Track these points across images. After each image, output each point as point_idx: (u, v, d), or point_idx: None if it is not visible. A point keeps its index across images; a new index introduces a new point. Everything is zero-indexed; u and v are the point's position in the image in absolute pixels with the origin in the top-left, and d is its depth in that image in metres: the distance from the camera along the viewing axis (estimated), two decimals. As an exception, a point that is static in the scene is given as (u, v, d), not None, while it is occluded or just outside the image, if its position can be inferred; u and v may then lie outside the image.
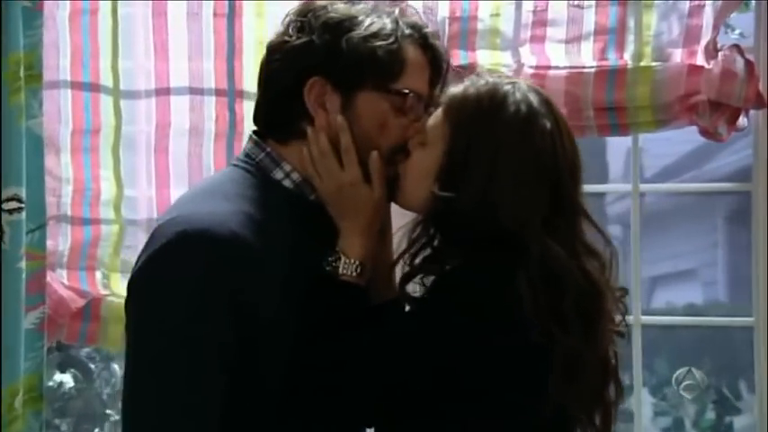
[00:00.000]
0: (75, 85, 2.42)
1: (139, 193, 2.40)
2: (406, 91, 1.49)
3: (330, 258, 1.50)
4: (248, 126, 2.21)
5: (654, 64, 2.23)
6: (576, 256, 1.47)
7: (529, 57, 2.29)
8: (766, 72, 2.26)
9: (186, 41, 2.38)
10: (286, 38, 1.49)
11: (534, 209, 1.45)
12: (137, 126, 2.39)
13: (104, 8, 2.41)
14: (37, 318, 2.24)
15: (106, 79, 2.40)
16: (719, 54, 2.20)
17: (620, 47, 2.26)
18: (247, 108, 2.36)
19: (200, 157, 2.38)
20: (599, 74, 2.24)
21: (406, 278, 1.52)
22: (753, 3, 2.34)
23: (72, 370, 3.65)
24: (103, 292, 2.42)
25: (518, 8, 2.32)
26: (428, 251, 1.50)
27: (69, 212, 2.42)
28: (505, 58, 2.28)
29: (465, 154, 1.45)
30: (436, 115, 1.52)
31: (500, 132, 1.46)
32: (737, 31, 2.42)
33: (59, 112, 2.41)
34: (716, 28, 2.22)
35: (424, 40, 1.52)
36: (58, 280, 2.42)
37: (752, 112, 2.27)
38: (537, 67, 2.27)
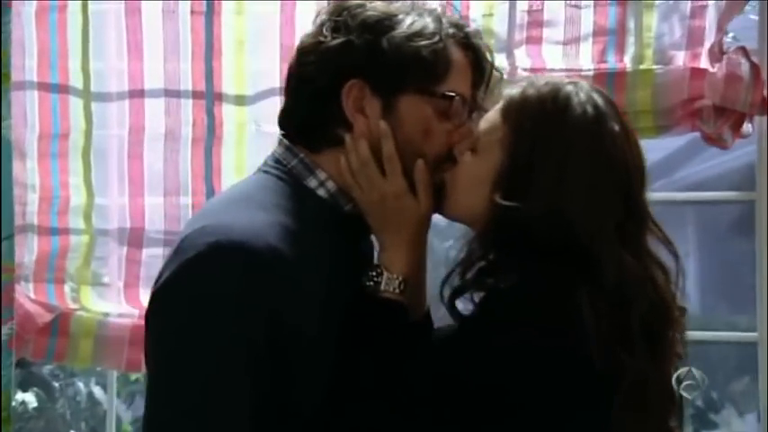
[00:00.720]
0: (43, 87, 2.37)
1: (111, 201, 2.36)
2: (453, 94, 1.42)
3: (372, 273, 1.42)
4: (228, 130, 2.29)
5: (655, 67, 2.17)
6: (645, 268, 1.38)
7: (524, 59, 2.22)
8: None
9: (161, 41, 2.34)
10: (320, 38, 1.41)
11: (607, 216, 1.37)
12: (108, 130, 2.36)
13: (74, 5, 2.36)
14: (6, 334, 2.14)
15: (76, 80, 2.36)
16: (723, 57, 2.14)
17: (621, 49, 2.20)
18: (227, 111, 2.31)
19: (176, 163, 2.33)
20: (597, 77, 2.17)
21: (457, 293, 1.42)
22: (751, 4, 2.27)
23: (35, 389, 3.52)
24: (73, 306, 2.37)
25: (512, 8, 2.25)
26: (482, 264, 1.40)
27: (36, 222, 2.37)
28: (499, 60, 2.15)
29: (529, 159, 1.37)
30: (490, 119, 1.44)
31: (568, 135, 1.38)
32: (731, 35, 2.34)
33: (25, 116, 2.37)
34: (720, 29, 2.16)
35: (467, 40, 1.45)
36: (24, 293, 2.36)
37: (755, 117, 2.21)
38: (532, 70, 2.20)
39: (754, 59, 2.15)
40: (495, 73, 1.47)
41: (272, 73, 2.28)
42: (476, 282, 1.39)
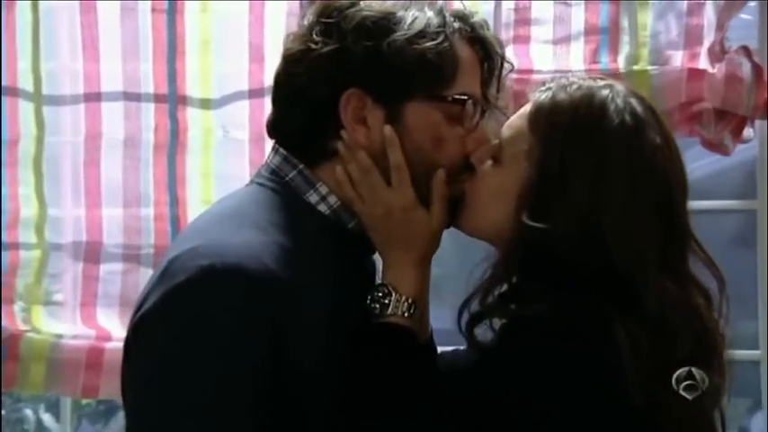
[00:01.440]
0: (-11, 90, 2.27)
1: (65, 213, 2.27)
2: (464, 97, 1.31)
3: (377, 294, 1.31)
4: (193, 136, 2.21)
5: (650, 68, 2.10)
6: (688, 296, 1.27)
7: (511, 59, 2.08)
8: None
9: (119, 40, 2.24)
10: (310, 44, 1.30)
11: (648, 238, 1.26)
12: (62, 137, 2.26)
13: (23, 4, 2.26)
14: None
15: (25, 83, 2.27)
16: (725, 57, 2.07)
17: (614, 49, 2.13)
18: (191, 116, 2.24)
19: (136, 171, 2.24)
20: None
21: (477, 320, 1.29)
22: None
23: (-26, 418, 3.34)
24: (23, 327, 2.27)
25: (498, 6, 2.17)
26: (504, 288, 1.28)
27: (-18, 236, 2.27)
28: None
29: (559, 173, 1.26)
30: (515, 126, 1.32)
31: (604, 147, 1.26)
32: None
33: (-30, 121, 2.27)
34: (721, 28, 2.08)
35: (473, 33, 1.33)
36: (-32, 314, 2.25)
37: (756, 121, 2.14)
38: (519, 71, 2.09)
39: (757, 60, 2.08)
40: (506, 65, 1.36)
41: (240, 75, 2.21)
42: (498, 308, 1.27)
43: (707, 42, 2.09)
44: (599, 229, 1.23)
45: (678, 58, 2.10)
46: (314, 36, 1.30)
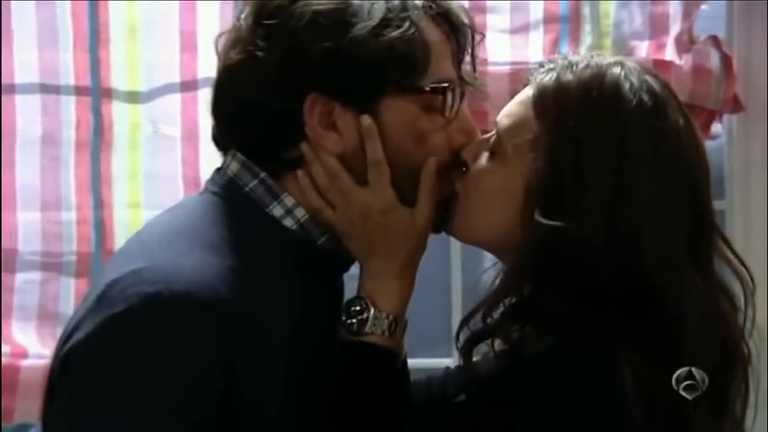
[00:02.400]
0: None
1: None
2: (443, 84, 1.19)
3: (354, 308, 1.19)
4: (119, 132, 2.10)
5: None
6: (715, 302, 1.16)
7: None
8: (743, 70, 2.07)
9: (35, 28, 2.12)
10: (255, 52, 1.17)
11: (679, 234, 1.14)
12: None
13: None
14: None
15: None
16: (693, 48, 2.02)
17: (575, 39, 2.07)
18: (117, 110, 2.13)
19: (56, 171, 2.12)
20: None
21: (476, 340, 1.17)
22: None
23: None
24: None
25: None
26: (512, 301, 1.15)
27: None
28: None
29: (574, 165, 1.13)
30: (515, 114, 1.20)
31: (623, 132, 1.14)
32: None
33: None
34: (688, 17, 2.03)
35: (437, 8, 1.21)
36: None
37: (725, 116, 2.10)
38: (473, 63, 1.99)
39: (726, 50, 2.03)
40: (476, 35, 1.25)
41: (171, 65, 2.11)
42: (501, 330, 1.14)
43: (673, 32, 2.04)
44: (626, 225, 1.12)
45: (643, 49, 2.05)
46: (257, 41, 1.17)
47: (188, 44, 2.09)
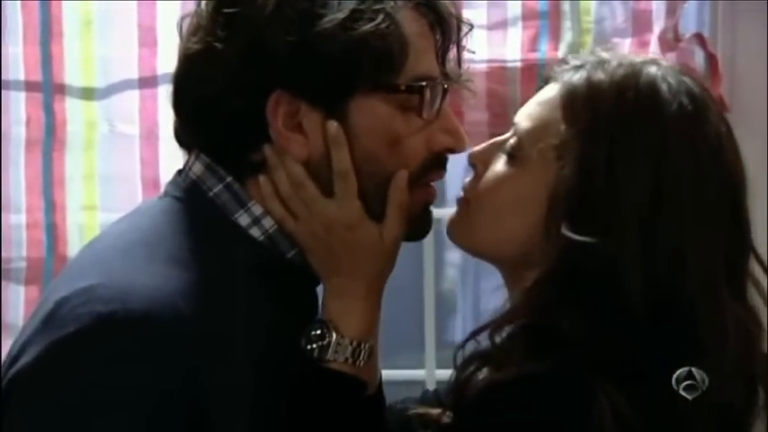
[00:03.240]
0: None
1: None
2: (422, 83, 1.12)
3: (315, 332, 1.12)
4: (73, 131, 2.05)
5: None
6: (749, 327, 1.10)
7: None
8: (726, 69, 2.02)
9: None
10: (214, 43, 1.11)
11: (720, 251, 1.08)
12: None
13: None
14: None
15: None
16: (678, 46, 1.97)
17: (555, 36, 2.02)
18: (71, 107, 2.08)
19: (5, 171, 2.06)
20: (527, 69, 2.00)
21: (478, 359, 1.08)
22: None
23: None
24: None
25: None
26: (524, 322, 1.07)
27: None
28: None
29: (608, 174, 1.06)
30: (538, 116, 1.13)
31: (661, 139, 1.08)
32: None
33: None
34: (672, 13, 1.98)
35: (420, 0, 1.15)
36: None
37: None
38: (448, 60, 1.94)
39: (711, 49, 1.98)
40: (463, 26, 1.18)
41: (129, 60, 2.05)
42: (509, 352, 1.06)
43: (657, 29, 1.99)
44: (665, 241, 1.05)
45: (625, 47, 1.99)
46: (217, 31, 1.11)
47: (147, 38, 2.03)
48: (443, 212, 2.17)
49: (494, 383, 1.03)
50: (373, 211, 1.13)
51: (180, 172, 1.18)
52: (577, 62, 1.14)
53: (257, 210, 1.14)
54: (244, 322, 1.09)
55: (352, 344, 1.11)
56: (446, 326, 5.19)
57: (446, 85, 1.15)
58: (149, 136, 2.02)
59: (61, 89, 2.05)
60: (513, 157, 1.12)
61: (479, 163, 1.15)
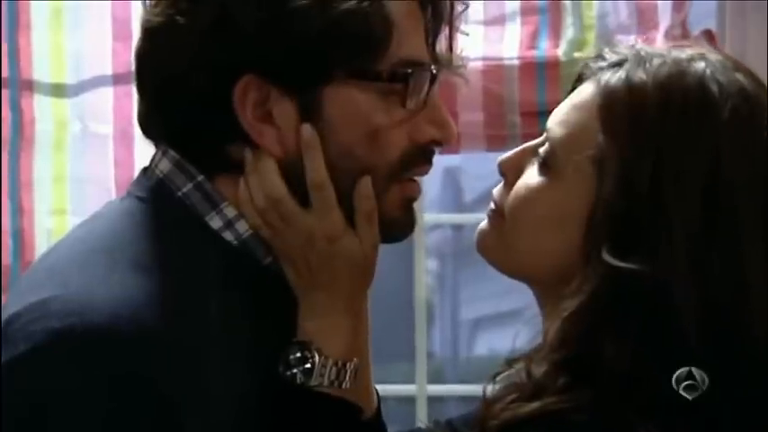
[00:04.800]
0: None
1: None
2: (407, 69, 1.05)
3: (295, 355, 1.05)
4: (42, 130, 2.03)
5: None
6: None
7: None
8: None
9: None
10: (176, 17, 1.04)
11: None
12: None
13: None
14: None
15: None
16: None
17: (555, 32, 1.99)
18: (40, 105, 2.07)
19: None
20: (525, 67, 1.97)
21: (510, 394, 1.00)
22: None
23: None
24: None
25: None
26: (562, 354, 0.99)
27: None
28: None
29: (653, 189, 0.99)
30: (573, 122, 1.05)
31: (714, 147, 1.00)
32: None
33: None
34: (680, 9, 1.95)
35: None
36: None
37: None
38: (442, 58, 1.91)
39: (721, 47, 1.91)
40: (457, 4, 1.11)
41: (102, 55, 2.03)
42: (548, 388, 0.98)
43: (663, 25, 1.97)
44: (721, 266, 0.97)
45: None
46: (180, 4, 1.04)
47: (121, 32, 2.00)
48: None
49: (528, 417, 0.97)
50: (352, 212, 1.08)
51: (145, 170, 1.11)
52: (615, 58, 1.06)
53: (230, 212, 1.08)
54: (217, 333, 1.03)
55: (336, 364, 1.05)
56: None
57: (435, 71, 1.08)
58: (124, 136, 1.99)
59: (29, 85, 2.02)
60: (546, 166, 1.05)
61: (509, 171, 1.08)
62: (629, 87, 1.02)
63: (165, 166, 1.08)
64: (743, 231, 0.99)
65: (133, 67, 1.88)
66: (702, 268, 0.97)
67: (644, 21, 1.97)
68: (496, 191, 1.09)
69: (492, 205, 1.09)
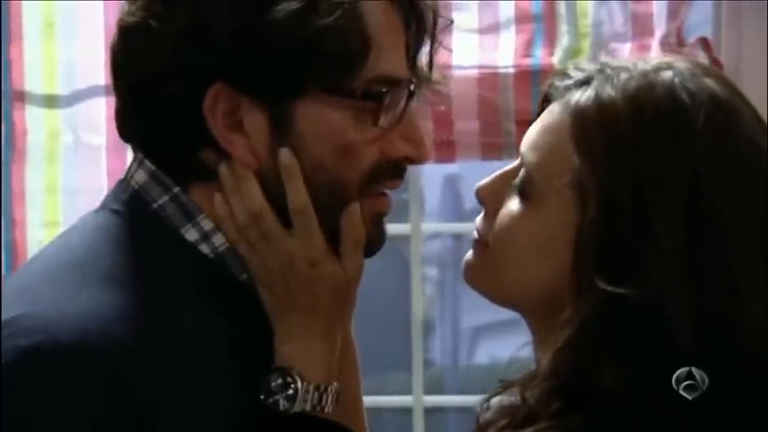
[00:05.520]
0: None
1: None
2: (382, 88, 1.04)
3: (276, 382, 1.04)
4: (34, 141, 2.04)
5: None
6: None
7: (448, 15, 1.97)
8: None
9: None
10: (149, 19, 1.03)
11: None
12: None
13: None
14: None
15: None
16: (683, 51, 1.93)
17: (550, 40, 2.00)
18: (32, 116, 2.07)
19: None
20: (520, 75, 1.98)
21: (503, 419, 1.00)
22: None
23: None
24: None
25: None
26: (554, 383, 0.97)
27: None
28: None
29: (636, 209, 0.97)
30: (546, 146, 1.03)
31: (691, 160, 0.98)
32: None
33: None
34: (675, 17, 1.96)
35: None
36: None
37: None
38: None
39: (716, 55, 1.96)
40: (440, 20, 1.08)
41: (95, 66, 2.01)
42: (543, 413, 0.97)
43: (659, 33, 1.98)
44: (713, 282, 0.96)
45: (625, 52, 1.98)
46: (154, 6, 1.03)
47: None
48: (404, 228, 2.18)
49: None
50: (329, 227, 1.06)
51: (122, 181, 1.10)
52: (580, 75, 1.03)
53: (207, 224, 1.06)
54: (193, 346, 1.02)
55: (318, 389, 1.04)
56: (424, 346, 5.15)
57: (413, 88, 1.06)
58: (117, 147, 1.97)
59: (21, 96, 2.02)
60: (525, 193, 1.03)
61: (488, 199, 1.06)
62: (599, 105, 1.00)
63: (140, 177, 1.07)
64: (729, 238, 0.97)
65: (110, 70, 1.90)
66: (693, 279, 0.96)
67: (639, 29, 1.97)
68: (478, 220, 1.07)
69: (475, 234, 1.08)
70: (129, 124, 1.08)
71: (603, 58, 1.10)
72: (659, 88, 0.99)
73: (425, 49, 1.08)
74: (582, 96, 1.01)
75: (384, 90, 1.03)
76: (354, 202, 1.04)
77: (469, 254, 1.08)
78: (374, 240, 1.09)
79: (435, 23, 1.07)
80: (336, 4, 1.02)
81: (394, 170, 1.07)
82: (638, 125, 0.98)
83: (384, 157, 1.05)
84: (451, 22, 1.11)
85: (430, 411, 2.11)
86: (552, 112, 1.03)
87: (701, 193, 0.97)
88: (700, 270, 0.95)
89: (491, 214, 1.06)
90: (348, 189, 1.05)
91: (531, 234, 1.02)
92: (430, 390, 2.08)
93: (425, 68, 1.08)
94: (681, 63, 1.03)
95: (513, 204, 1.03)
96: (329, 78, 1.03)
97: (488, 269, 1.05)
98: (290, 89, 1.03)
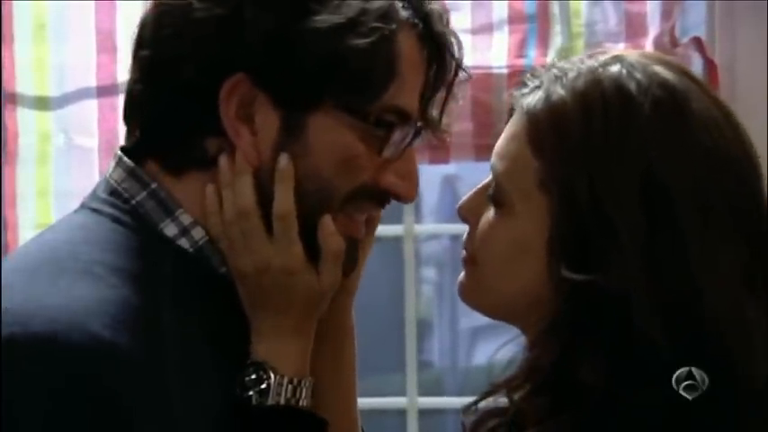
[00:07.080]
0: None
1: None
2: (391, 120, 1.07)
3: (250, 377, 1.06)
4: (25, 143, 2.03)
5: None
6: None
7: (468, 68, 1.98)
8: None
9: None
10: (193, 2, 1.06)
11: (736, 264, 1.00)
12: None
13: None
14: None
15: None
16: (676, 51, 1.96)
17: (544, 40, 2.01)
18: (23, 118, 2.08)
19: None
20: (513, 75, 1.97)
21: (492, 421, 1.02)
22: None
23: None
24: None
25: None
26: (545, 378, 0.99)
27: None
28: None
29: (593, 202, 0.99)
30: (510, 154, 1.05)
31: (641, 148, 1.00)
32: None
33: None
34: (669, 16, 1.97)
35: (426, 30, 1.09)
36: None
37: None
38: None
39: (710, 55, 1.97)
40: (461, 74, 1.11)
41: (86, 67, 2.04)
42: (530, 409, 0.99)
43: (652, 33, 1.99)
44: (670, 266, 0.98)
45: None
46: None
47: (106, 44, 2.02)
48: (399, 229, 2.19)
49: None
50: (312, 238, 1.08)
51: (101, 182, 1.12)
52: (535, 82, 1.06)
53: (186, 219, 1.08)
54: (172, 339, 1.03)
55: (292, 382, 1.06)
56: (422, 347, 5.16)
57: (419, 130, 1.09)
58: (109, 148, 1.98)
59: (12, 98, 2.03)
60: (498, 202, 1.06)
61: (469, 215, 1.08)
62: (549, 106, 1.02)
63: (118, 175, 1.09)
64: (684, 227, 0.98)
65: (121, 80, 1.92)
66: (654, 269, 0.98)
67: (633, 28, 1.99)
68: (465, 238, 1.09)
69: (463, 253, 1.09)
70: (137, 104, 1.10)
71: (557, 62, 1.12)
72: (606, 82, 1.01)
73: (440, 96, 1.10)
74: (533, 100, 1.03)
75: (395, 122, 1.06)
76: (327, 215, 1.07)
77: (462, 274, 1.10)
78: (344, 262, 1.10)
79: (456, 76, 1.09)
80: (375, 28, 1.04)
81: (378, 198, 1.09)
82: (588, 121, 1.00)
83: (373, 182, 1.08)
84: (470, 77, 1.14)
85: (429, 413, 2.12)
86: (513, 121, 1.05)
87: (654, 182, 0.98)
88: (658, 259, 0.97)
89: (474, 229, 1.08)
90: (335, 198, 1.07)
91: (509, 241, 1.04)
92: (429, 391, 2.09)
93: (435, 115, 1.10)
94: (631, 55, 1.04)
95: (490, 214, 1.05)
96: (349, 97, 1.06)
97: (478, 284, 1.07)
98: (310, 98, 1.06)
